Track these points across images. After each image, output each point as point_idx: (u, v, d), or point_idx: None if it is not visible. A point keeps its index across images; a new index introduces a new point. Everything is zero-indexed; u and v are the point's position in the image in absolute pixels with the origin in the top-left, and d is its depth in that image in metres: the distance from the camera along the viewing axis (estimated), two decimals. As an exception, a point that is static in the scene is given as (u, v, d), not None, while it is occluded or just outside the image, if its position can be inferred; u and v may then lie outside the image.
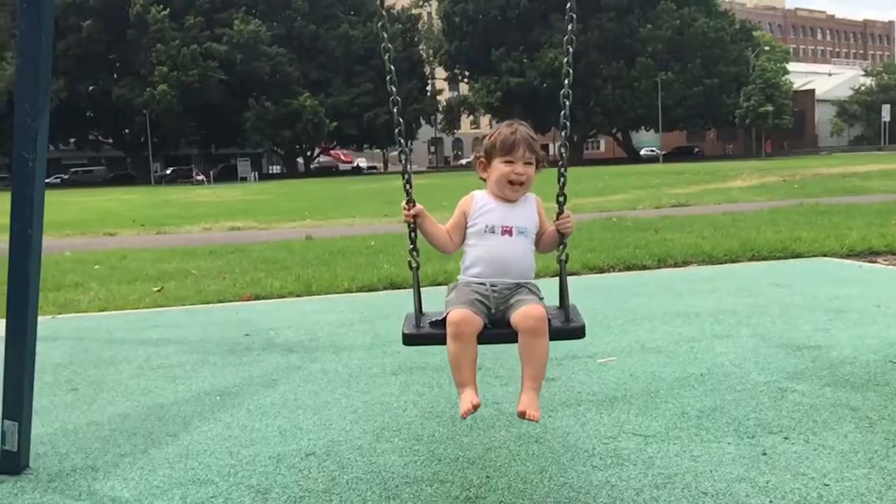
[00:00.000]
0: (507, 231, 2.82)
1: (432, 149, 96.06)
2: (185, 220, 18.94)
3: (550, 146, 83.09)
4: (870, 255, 8.21)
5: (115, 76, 71.19)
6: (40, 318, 3.19)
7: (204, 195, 37.01)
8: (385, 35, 2.84)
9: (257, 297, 6.98)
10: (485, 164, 2.94)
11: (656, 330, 4.99)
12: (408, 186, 2.88)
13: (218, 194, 36.77)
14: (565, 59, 2.87)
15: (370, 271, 7.90)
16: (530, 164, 2.86)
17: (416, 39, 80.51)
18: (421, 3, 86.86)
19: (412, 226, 2.88)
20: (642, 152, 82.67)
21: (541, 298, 2.76)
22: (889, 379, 3.74)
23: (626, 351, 4.45)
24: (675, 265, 8.02)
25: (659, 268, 7.92)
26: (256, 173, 71.93)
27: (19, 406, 2.94)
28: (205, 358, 4.73)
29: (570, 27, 2.88)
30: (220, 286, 7.58)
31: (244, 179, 67.10)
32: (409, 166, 2.92)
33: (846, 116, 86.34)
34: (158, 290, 7.51)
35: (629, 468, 2.81)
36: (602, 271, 7.81)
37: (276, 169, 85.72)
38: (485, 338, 2.67)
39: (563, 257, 2.85)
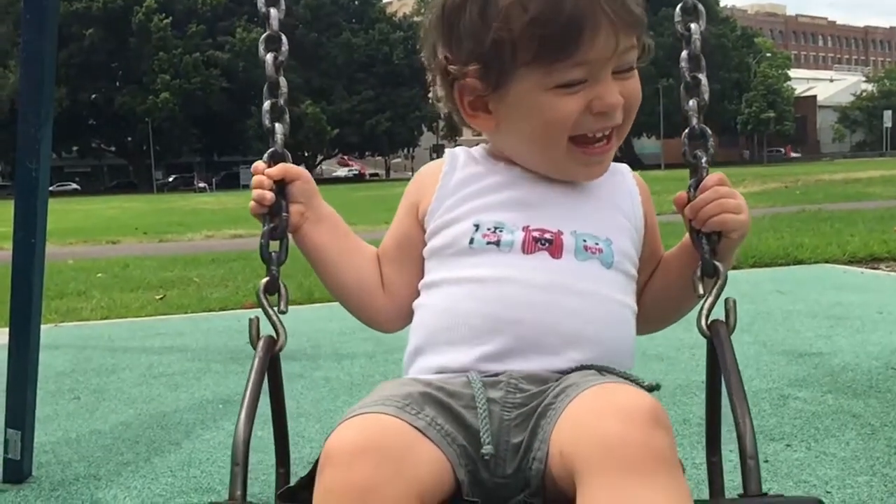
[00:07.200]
0: (548, 243, 1.21)
1: (434, 156, 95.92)
2: (187, 228, 18.98)
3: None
4: (872, 261, 8.20)
5: (118, 84, 71.62)
6: (43, 327, 3.20)
7: (206, 202, 37.08)
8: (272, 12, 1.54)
9: (260, 305, 6.99)
10: (480, 91, 1.28)
11: (657, 336, 4.92)
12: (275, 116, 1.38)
13: (220, 202, 36.84)
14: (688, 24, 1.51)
15: (372, 279, 7.90)
16: (627, 72, 1.25)
17: (417, 47, 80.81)
18: (423, 10, 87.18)
19: (273, 220, 1.37)
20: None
21: (649, 389, 1.22)
22: (891, 386, 3.73)
23: (628, 358, 4.44)
24: (677, 272, 8.02)
25: (660, 274, 7.92)
26: (258, 181, 72.14)
27: (22, 415, 2.95)
28: (207, 366, 4.74)
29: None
30: (223, 294, 7.59)
31: (246, 187, 66.95)
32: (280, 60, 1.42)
33: (848, 122, 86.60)
34: (161, 298, 7.53)
35: (631, 476, 2.80)
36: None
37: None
38: None
39: (729, 314, 1.32)
